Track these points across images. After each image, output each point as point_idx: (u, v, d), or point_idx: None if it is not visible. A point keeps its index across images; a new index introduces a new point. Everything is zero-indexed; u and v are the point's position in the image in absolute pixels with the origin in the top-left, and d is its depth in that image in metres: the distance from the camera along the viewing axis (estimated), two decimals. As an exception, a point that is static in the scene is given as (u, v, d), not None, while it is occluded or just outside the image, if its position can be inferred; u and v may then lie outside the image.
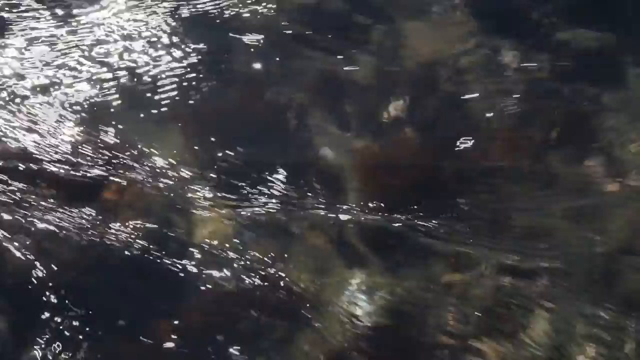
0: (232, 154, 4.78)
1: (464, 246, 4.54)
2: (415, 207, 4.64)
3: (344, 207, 4.64)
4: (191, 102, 4.99)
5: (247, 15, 5.38)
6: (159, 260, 4.39)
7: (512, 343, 4.23)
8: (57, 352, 4.12)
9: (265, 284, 4.37)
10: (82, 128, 4.80)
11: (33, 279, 4.27)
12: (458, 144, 4.88)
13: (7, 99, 4.89)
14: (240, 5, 5.41)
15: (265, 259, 4.44)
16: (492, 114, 5.00)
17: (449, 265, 4.47)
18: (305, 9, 5.42)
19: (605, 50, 5.30)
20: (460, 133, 4.92)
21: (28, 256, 4.31)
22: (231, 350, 4.18)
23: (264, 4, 5.40)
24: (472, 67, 5.17)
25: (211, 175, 4.70)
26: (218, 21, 5.36)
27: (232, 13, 5.39)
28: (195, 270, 4.39)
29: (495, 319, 4.30)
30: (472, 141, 4.88)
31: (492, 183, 4.76)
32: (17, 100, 4.89)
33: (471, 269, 4.45)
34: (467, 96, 5.06)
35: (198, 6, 5.41)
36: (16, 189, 4.53)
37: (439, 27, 5.33)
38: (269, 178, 4.71)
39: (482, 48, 5.24)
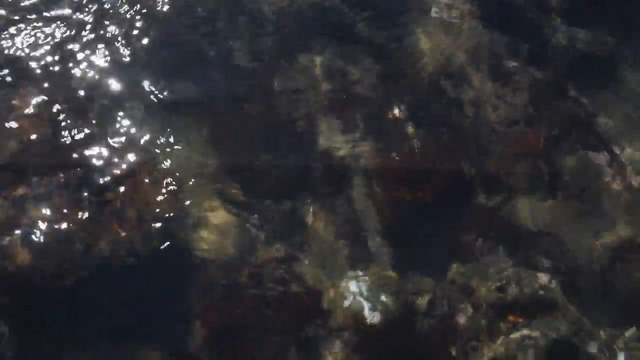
0: (240, 153, 4.82)
1: (470, 248, 4.58)
2: (421, 209, 4.68)
3: (353, 207, 4.68)
4: (200, 102, 5.02)
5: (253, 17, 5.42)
6: (166, 261, 4.40)
7: (518, 343, 4.26)
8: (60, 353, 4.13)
9: (275, 281, 4.38)
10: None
11: (36, 280, 4.25)
12: (463, 146, 4.91)
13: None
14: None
15: (275, 256, 4.47)
16: (495, 117, 5.04)
17: (456, 266, 4.49)
18: (310, 12, 5.44)
19: (606, 52, 5.36)
20: (465, 135, 4.96)
21: (31, 257, 4.29)
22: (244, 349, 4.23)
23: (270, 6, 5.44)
24: (476, 70, 5.20)
25: (221, 175, 4.71)
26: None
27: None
28: (205, 269, 4.42)
29: (502, 320, 4.33)
30: (477, 143, 4.92)
31: (497, 184, 4.79)
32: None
33: (477, 269, 4.48)
34: (471, 99, 5.09)
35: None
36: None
37: (443, 30, 5.35)
38: (277, 177, 4.74)
39: (486, 51, 5.27)
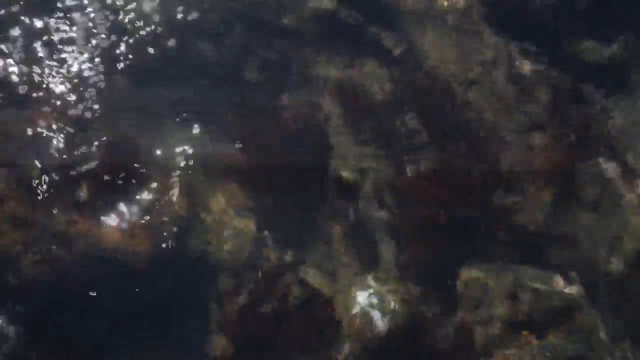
0: (254, 162, 4.80)
1: (485, 256, 4.55)
2: (434, 217, 4.64)
3: (364, 215, 4.67)
4: (207, 106, 5.01)
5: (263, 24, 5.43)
6: (180, 265, 4.41)
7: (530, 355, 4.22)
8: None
9: (284, 286, 4.38)
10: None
11: (46, 284, 4.24)
12: (477, 153, 4.89)
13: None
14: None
15: (287, 264, 4.47)
16: (510, 124, 5.01)
17: (469, 275, 4.44)
18: (321, 20, 5.43)
19: (620, 57, 5.30)
20: (479, 143, 4.94)
21: (41, 261, 4.29)
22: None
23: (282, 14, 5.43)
24: (490, 76, 5.18)
25: (229, 180, 4.70)
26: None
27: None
28: (219, 275, 4.42)
29: (515, 331, 4.28)
30: (492, 151, 4.91)
31: (512, 193, 4.77)
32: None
33: (492, 278, 4.42)
34: (485, 105, 5.07)
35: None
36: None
37: (458, 36, 5.32)
38: (291, 186, 4.74)
39: (501, 57, 5.24)
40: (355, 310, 4.30)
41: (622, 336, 4.31)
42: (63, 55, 5.02)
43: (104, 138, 4.70)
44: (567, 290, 4.37)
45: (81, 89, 4.92)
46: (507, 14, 5.39)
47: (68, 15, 5.17)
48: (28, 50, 5.00)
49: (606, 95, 5.14)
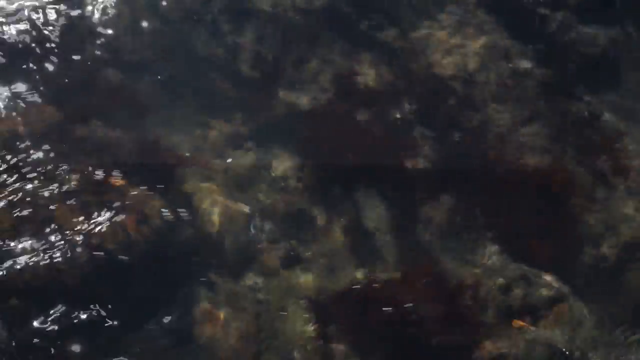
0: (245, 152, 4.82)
1: (477, 249, 4.59)
2: (428, 209, 4.69)
3: (359, 207, 4.69)
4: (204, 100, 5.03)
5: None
6: (171, 258, 4.37)
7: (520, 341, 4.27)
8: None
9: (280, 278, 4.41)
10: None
11: (50, 276, 4.20)
12: (469, 146, 4.92)
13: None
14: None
15: (280, 255, 4.48)
16: (504, 117, 5.04)
17: (462, 268, 4.50)
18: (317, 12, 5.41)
19: (616, 50, 5.36)
20: (472, 136, 4.97)
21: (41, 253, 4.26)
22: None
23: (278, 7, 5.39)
24: (485, 69, 5.20)
25: (227, 173, 4.72)
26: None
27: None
28: (211, 267, 4.42)
29: (507, 322, 4.33)
30: (484, 144, 4.94)
31: (503, 185, 4.80)
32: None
33: (484, 269, 4.48)
34: (479, 98, 5.09)
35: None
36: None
37: (451, 31, 5.33)
38: (284, 177, 4.74)
39: (496, 49, 5.27)
40: (351, 301, 4.32)
41: (613, 324, 4.37)
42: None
43: (100, 133, 4.70)
44: (556, 281, 4.42)
45: (76, 82, 4.91)
46: (504, 6, 5.41)
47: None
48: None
49: (602, 87, 5.21)
